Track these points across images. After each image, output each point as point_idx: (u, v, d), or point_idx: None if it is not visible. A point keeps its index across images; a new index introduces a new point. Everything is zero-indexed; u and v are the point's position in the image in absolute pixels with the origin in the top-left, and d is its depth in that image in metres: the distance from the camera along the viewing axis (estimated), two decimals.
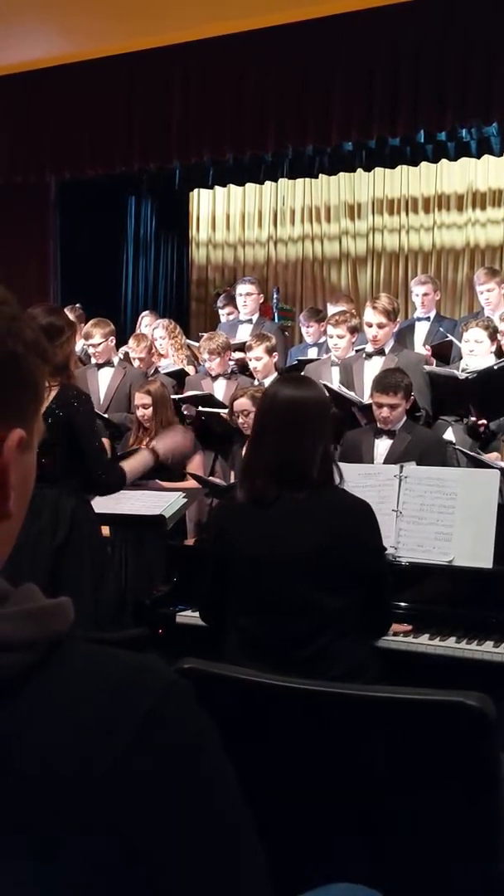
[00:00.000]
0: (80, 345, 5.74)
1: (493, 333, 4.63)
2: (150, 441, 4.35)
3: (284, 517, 2.14)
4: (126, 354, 6.17)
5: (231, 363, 5.76)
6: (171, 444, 3.41)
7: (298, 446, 2.14)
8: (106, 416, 5.11)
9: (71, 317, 6.12)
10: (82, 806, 0.57)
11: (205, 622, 2.43)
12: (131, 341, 6.15)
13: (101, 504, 3.31)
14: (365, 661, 2.16)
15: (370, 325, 4.72)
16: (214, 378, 5.32)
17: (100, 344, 5.52)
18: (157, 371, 5.83)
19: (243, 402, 4.41)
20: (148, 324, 6.71)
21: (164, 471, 4.23)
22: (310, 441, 2.15)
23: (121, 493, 3.33)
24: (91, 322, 5.72)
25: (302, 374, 5.22)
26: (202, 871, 0.60)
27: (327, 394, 2.51)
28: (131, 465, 3.21)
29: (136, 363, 6.00)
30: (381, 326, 4.67)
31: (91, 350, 5.61)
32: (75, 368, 3.26)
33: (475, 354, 4.58)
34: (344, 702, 1.39)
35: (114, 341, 5.79)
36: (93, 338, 5.54)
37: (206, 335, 5.65)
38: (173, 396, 4.91)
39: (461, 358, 4.75)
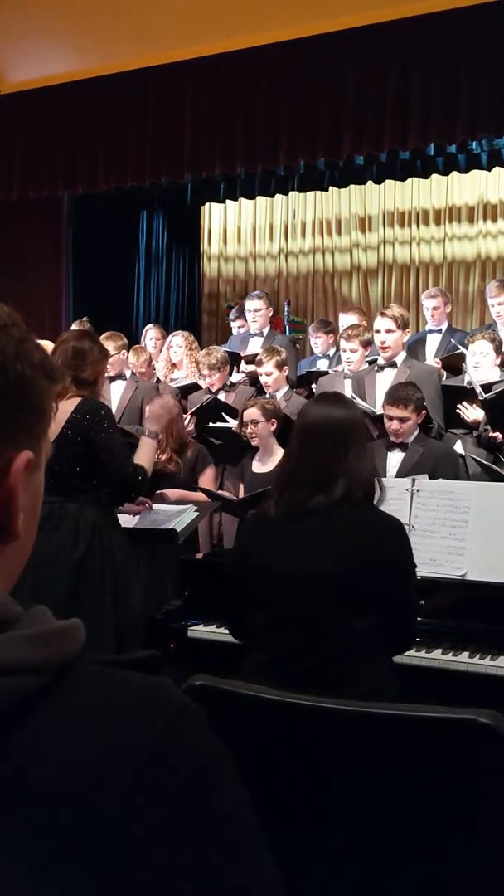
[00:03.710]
0: None
1: (498, 346, 4.63)
2: (161, 453, 4.37)
3: (317, 534, 2.13)
4: None
5: (241, 375, 5.77)
6: (158, 418, 3.44)
7: (331, 462, 2.14)
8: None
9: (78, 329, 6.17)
10: (95, 829, 0.57)
11: (236, 639, 2.39)
12: (131, 355, 6.04)
13: None
14: (386, 683, 2.13)
15: (378, 332, 4.73)
16: (215, 393, 5.34)
17: (112, 357, 5.54)
18: (159, 381, 5.85)
19: (252, 413, 4.39)
20: (153, 337, 6.72)
21: (175, 481, 4.25)
22: (342, 457, 2.14)
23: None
24: (103, 336, 5.73)
25: (313, 386, 5.24)
26: (215, 891, 0.60)
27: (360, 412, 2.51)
28: (145, 458, 3.25)
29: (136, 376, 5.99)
30: (389, 332, 4.67)
31: None
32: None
33: (481, 367, 4.58)
34: (353, 719, 1.39)
35: (126, 354, 5.80)
36: None
37: (203, 351, 5.66)
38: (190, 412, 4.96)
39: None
